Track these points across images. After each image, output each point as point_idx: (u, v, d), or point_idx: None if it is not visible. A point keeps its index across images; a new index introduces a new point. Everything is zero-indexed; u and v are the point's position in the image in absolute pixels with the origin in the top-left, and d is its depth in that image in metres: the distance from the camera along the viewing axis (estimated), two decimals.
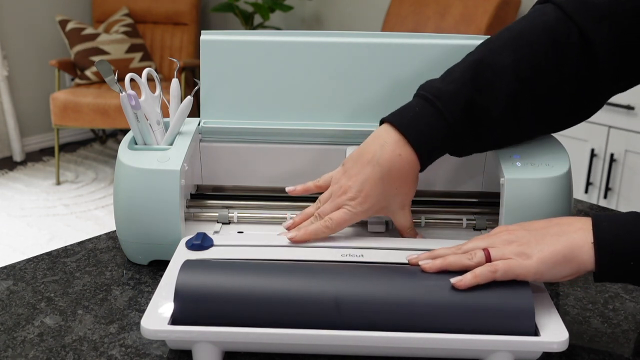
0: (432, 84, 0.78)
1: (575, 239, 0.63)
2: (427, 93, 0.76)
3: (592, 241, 0.63)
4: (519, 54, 0.76)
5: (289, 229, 0.78)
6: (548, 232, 0.65)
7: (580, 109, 0.79)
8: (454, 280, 0.63)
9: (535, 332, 0.61)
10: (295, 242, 0.75)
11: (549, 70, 0.76)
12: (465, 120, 0.75)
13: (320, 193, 0.81)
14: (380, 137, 0.76)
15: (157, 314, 0.62)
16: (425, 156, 0.76)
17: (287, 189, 0.82)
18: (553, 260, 0.63)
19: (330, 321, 0.61)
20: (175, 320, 0.61)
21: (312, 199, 0.90)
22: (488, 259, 0.64)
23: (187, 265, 0.65)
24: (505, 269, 0.63)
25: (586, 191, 2.37)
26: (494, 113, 0.76)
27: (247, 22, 3.62)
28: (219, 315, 0.61)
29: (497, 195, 0.81)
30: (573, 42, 0.75)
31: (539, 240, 0.64)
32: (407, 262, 0.69)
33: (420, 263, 0.66)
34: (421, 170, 0.77)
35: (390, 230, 0.84)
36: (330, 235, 0.77)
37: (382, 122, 0.78)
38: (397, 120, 0.76)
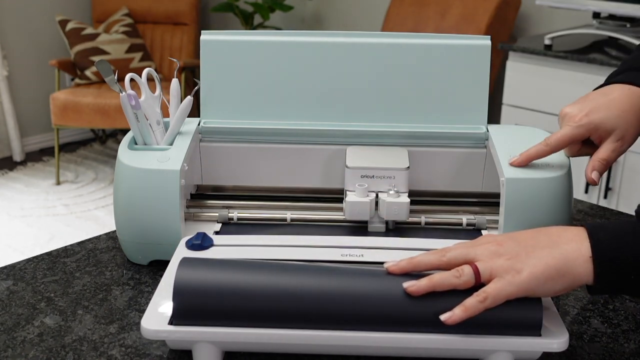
0: None
1: (568, 251, 0.59)
2: None
3: (590, 255, 0.58)
4: None
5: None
6: (538, 243, 0.60)
7: None
8: (443, 317, 0.58)
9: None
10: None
11: None
12: None
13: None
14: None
15: (157, 314, 0.62)
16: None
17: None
18: (545, 275, 0.58)
19: (328, 318, 0.60)
20: (175, 315, 0.61)
21: (313, 199, 0.90)
22: (477, 276, 0.59)
23: (185, 262, 0.64)
24: (494, 295, 0.57)
25: (586, 191, 2.37)
26: None
27: (247, 22, 3.62)
28: (217, 309, 0.60)
29: (497, 195, 0.80)
30: None
31: (530, 253, 0.59)
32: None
33: (404, 285, 0.59)
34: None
35: (391, 230, 0.84)
36: (331, 235, 0.77)
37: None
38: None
